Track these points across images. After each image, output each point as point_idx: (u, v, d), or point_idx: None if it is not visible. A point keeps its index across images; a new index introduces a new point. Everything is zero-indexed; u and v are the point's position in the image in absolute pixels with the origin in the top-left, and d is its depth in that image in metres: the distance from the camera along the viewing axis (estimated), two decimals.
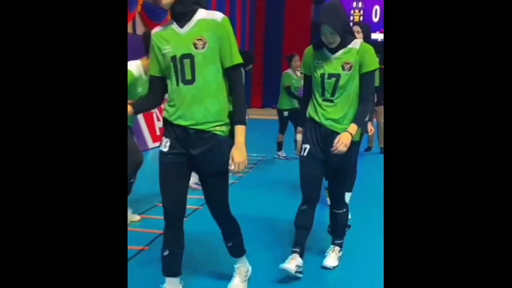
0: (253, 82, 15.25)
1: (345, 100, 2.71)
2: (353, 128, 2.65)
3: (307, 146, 2.78)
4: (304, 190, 2.83)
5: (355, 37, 2.74)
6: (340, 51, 2.70)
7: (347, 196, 4.13)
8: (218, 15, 2.14)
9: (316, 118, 2.77)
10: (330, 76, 2.70)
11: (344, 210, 3.03)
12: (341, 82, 2.68)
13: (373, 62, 2.70)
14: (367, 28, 3.95)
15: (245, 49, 14.23)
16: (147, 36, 2.82)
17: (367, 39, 3.66)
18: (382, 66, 7.77)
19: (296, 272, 2.72)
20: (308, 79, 2.89)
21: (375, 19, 15.13)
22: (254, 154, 7.14)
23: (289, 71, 6.84)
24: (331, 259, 3.01)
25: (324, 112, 2.75)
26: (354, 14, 15.22)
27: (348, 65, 2.68)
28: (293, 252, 2.81)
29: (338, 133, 2.65)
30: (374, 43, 3.41)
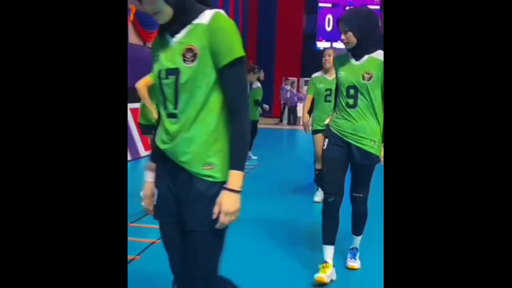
0: None
1: (192, 113, 1.53)
2: (235, 179, 1.49)
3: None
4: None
5: (210, 7, 1.55)
6: (183, 32, 1.54)
7: (357, 240, 3.20)
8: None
9: (161, 146, 1.61)
10: (169, 72, 1.54)
11: None
12: (182, 81, 1.51)
13: (233, 45, 1.49)
14: (368, 15, 2.73)
15: None
16: None
17: (371, 33, 2.66)
18: None
19: None
20: None
21: None
22: (247, 163, 7.15)
23: (259, 85, 7.19)
24: None
25: (167, 136, 1.57)
26: None
27: (191, 53, 1.51)
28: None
29: (193, 177, 1.54)
30: None
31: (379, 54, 2.75)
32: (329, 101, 4.51)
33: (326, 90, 4.61)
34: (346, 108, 2.82)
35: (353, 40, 2.71)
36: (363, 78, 2.74)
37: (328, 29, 15.40)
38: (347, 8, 15.33)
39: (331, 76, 4.54)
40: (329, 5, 15.38)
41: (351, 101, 2.79)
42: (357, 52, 2.75)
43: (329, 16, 15.43)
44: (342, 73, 2.82)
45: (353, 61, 2.80)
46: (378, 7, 15.20)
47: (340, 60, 2.88)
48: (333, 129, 2.89)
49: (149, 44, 8.96)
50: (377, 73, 2.72)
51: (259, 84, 7.16)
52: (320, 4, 15.38)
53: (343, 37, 2.73)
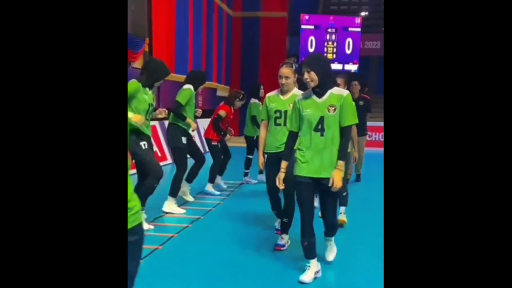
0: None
1: None
2: None
3: None
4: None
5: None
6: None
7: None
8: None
9: None
10: None
11: None
12: None
13: None
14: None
15: (222, 80, 14.37)
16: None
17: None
18: (366, 96, 7.72)
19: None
20: None
21: (348, 51, 15.55)
22: (232, 181, 7.14)
23: (256, 100, 6.87)
24: None
25: None
26: (328, 46, 15.63)
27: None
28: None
29: None
30: (347, 72, 3.43)
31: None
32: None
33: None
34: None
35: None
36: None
37: (311, 50, 15.65)
38: (329, 30, 15.63)
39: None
40: (312, 27, 15.66)
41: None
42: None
43: (312, 37, 15.69)
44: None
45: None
46: (359, 29, 15.53)
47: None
48: None
49: (134, 64, 8.96)
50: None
51: (256, 100, 6.77)
52: (303, 26, 15.66)
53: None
